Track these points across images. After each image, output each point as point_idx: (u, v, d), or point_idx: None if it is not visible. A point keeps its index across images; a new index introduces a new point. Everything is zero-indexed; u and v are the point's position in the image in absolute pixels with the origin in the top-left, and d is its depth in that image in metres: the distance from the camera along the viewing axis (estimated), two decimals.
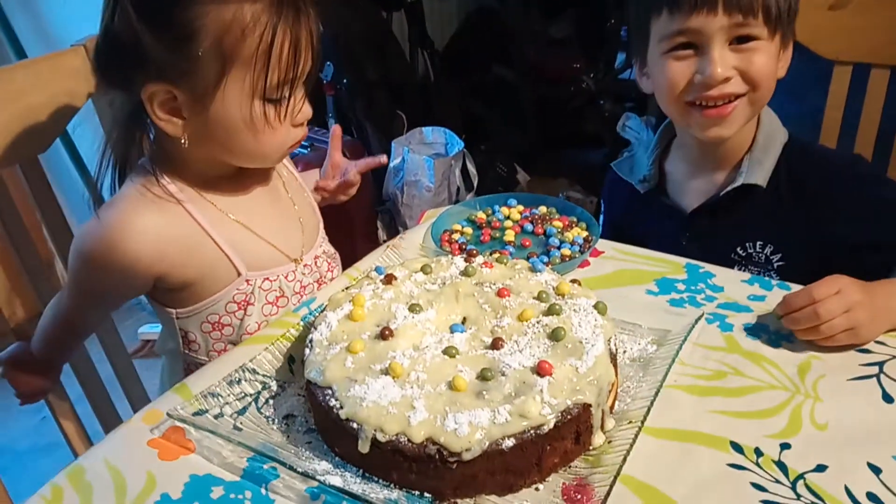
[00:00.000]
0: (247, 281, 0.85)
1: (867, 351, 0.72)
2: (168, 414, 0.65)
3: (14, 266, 0.98)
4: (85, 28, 0.96)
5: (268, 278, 0.86)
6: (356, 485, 0.58)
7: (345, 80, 2.15)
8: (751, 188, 0.94)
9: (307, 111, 0.81)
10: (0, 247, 0.98)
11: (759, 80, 0.89)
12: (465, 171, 2.36)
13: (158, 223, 0.78)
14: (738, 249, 0.98)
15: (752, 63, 0.88)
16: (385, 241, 1.00)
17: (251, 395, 0.69)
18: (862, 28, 1.07)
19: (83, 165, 1.92)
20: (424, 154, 2.27)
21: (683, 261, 0.89)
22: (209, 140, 0.78)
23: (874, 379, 0.68)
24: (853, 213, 0.92)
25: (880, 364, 0.70)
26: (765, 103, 0.94)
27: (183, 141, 0.77)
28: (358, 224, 2.15)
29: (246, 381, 0.70)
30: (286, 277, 0.88)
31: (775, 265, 0.97)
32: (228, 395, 0.68)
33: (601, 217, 1.18)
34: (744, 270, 0.97)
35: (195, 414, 0.66)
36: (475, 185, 2.41)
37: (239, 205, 0.85)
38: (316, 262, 0.93)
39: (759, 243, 0.97)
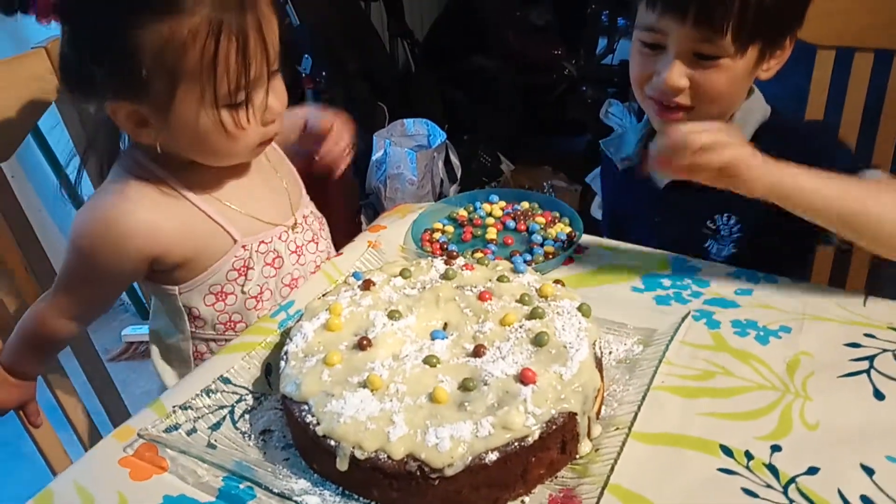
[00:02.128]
0: (243, 247, 0.85)
1: (857, 345, 0.71)
2: (139, 434, 0.63)
3: None
4: (55, 28, 0.92)
5: (263, 241, 0.86)
6: None
7: (323, 74, 2.11)
8: None
9: (275, 107, 0.79)
10: None
11: (712, 98, 0.88)
12: (448, 162, 2.34)
13: (149, 202, 0.79)
14: (709, 223, 0.97)
15: (709, 81, 0.86)
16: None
17: (226, 407, 0.67)
18: (844, 11, 1.05)
19: (59, 165, 1.88)
20: (406, 146, 2.24)
21: (669, 255, 0.87)
22: (181, 145, 0.78)
23: (864, 375, 0.67)
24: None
25: (870, 359, 0.69)
26: (720, 118, 0.92)
27: (157, 147, 0.78)
28: (341, 219, 2.13)
29: (220, 392, 0.68)
30: (280, 238, 0.88)
31: (733, 236, 0.96)
32: (202, 408, 0.66)
33: (598, 198, 1.17)
34: (709, 244, 0.97)
35: (168, 430, 0.64)
36: (459, 176, 2.39)
37: (222, 185, 0.85)
38: (306, 221, 0.93)
39: (726, 215, 0.96)
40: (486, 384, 0.59)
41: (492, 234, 0.94)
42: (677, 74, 0.86)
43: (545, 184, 2.59)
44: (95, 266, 0.81)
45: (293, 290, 0.89)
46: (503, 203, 1.00)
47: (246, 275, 0.85)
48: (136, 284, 1.40)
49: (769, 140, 0.93)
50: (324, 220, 0.99)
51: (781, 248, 0.93)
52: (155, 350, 0.95)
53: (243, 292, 0.86)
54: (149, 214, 0.79)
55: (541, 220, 0.95)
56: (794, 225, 0.91)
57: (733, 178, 0.75)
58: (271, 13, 0.74)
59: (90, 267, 0.81)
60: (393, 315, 0.68)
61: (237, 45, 0.71)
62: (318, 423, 0.57)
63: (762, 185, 0.75)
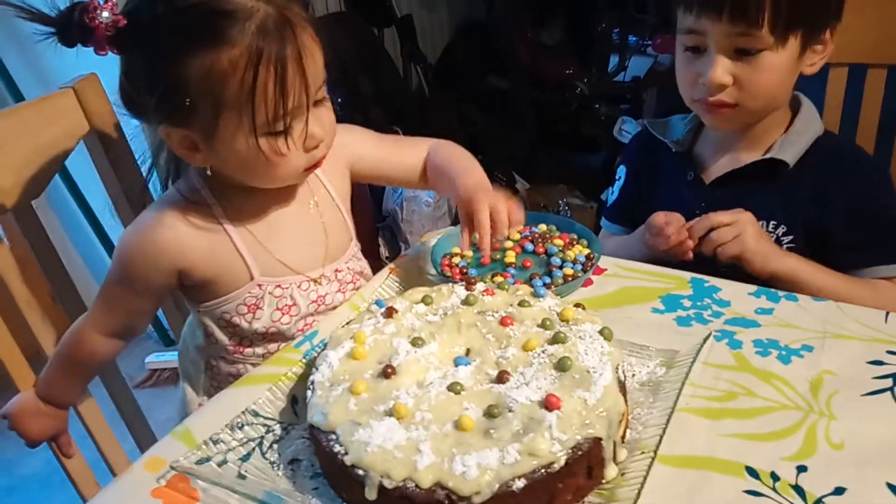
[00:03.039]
0: (259, 285, 0.87)
1: (880, 363, 0.71)
2: (171, 466, 0.64)
3: (12, 308, 0.97)
4: (81, 67, 0.95)
5: (279, 285, 0.88)
6: None
7: (339, 99, 2.14)
8: (777, 165, 0.95)
9: (316, 134, 0.80)
10: None
11: (756, 94, 0.91)
12: None
13: (185, 221, 0.83)
14: None
15: (752, 76, 0.89)
16: (387, 258, 0.99)
17: (255, 439, 0.68)
18: (855, 28, 1.05)
19: (86, 204, 1.92)
20: None
21: (688, 275, 0.88)
22: (228, 169, 0.82)
23: (888, 393, 0.67)
24: (851, 214, 0.95)
25: (894, 376, 0.69)
26: (767, 112, 0.96)
27: (207, 170, 0.82)
28: (359, 241, 2.15)
29: (249, 425, 0.69)
30: (299, 286, 0.89)
31: (784, 247, 0.97)
32: (231, 441, 0.67)
33: (616, 183, 1.17)
34: None
35: (199, 462, 0.65)
36: None
37: (260, 221, 0.88)
38: (337, 275, 0.93)
39: (773, 223, 0.98)
40: (510, 411, 0.59)
41: (510, 257, 0.94)
42: (721, 71, 0.89)
43: (561, 202, 2.59)
44: (133, 277, 0.85)
45: (304, 329, 0.90)
46: (521, 226, 1.00)
47: (255, 313, 0.87)
48: (160, 313, 1.42)
49: (821, 157, 0.96)
50: (364, 273, 0.98)
51: (834, 263, 0.95)
52: (182, 353, 0.99)
53: (251, 328, 0.88)
54: (181, 234, 0.83)
55: (559, 242, 0.95)
56: (844, 241, 0.94)
57: (742, 262, 0.91)
58: (314, 44, 0.76)
59: (129, 278, 0.86)
60: (416, 342, 0.69)
61: (275, 76, 0.73)
62: (347, 453, 0.58)
63: (768, 271, 0.91)
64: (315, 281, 0.90)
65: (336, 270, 0.93)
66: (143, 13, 0.74)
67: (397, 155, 1.00)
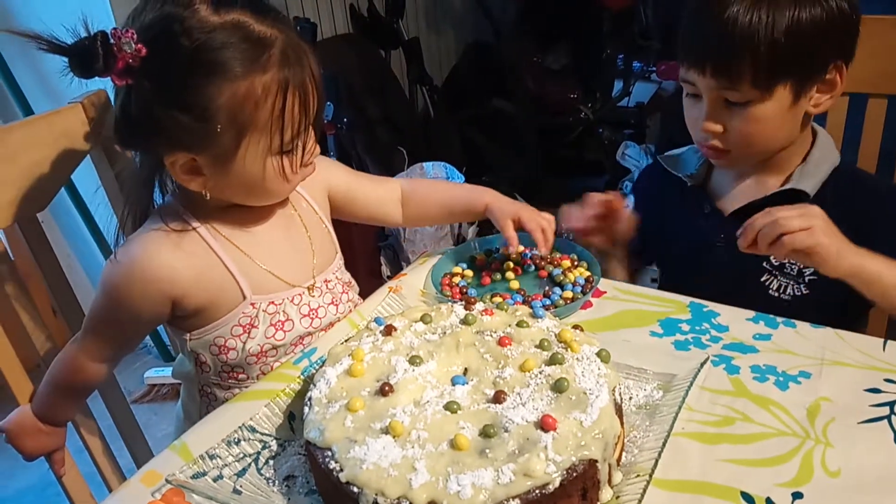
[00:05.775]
0: (252, 304, 0.86)
1: (877, 391, 0.71)
2: (167, 479, 0.64)
3: (14, 321, 0.98)
4: (89, 83, 0.96)
5: (273, 302, 0.87)
6: None
7: (345, 119, 2.16)
8: (797, 197, 0.95)
9: (317, 150, 0.85)
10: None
11: (744, 142, 0.93)
12: None
13: (173, 249, 0.82)
14: (772, 258, 0.97)
15: (739, 126, 0.91)
16: (388, 277, 1.00)
17: (251, 455, 0.68)
18: (856, 59, 1.06)
19: (91, 217, 1.93)
20: None
21: (687, 300, 0.88)
22: (229, 190, 0.83)
23: (885, 421, 0.67)
24: (891, 238, 0.91)
25: (891, 404, 0.69)
26: (770, 153, 0.96)
27: (205, 194, 0.82)
28: (361, 260, 2.15)
29: (245, 440, 0.69)
30: (291, 301, 0.89)
31: (807, 278, 0.96)
32: (227, 456, 0.68)
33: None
34: (768, 280, 0.97)
35: (195, 476, 0.65)
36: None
37: (246, 236, 0.88)
38: (327, 285, 0.93)
39: None
40: (506, 431, 0.60)
41: (510, 277, 0.95)
42: (709, 120, 0.93)
43: (563, 225, 2.60)
44: (122, 308, 0.84)
45: (301, 347, 0.90)
46: (521, 247, 1.01)
47: (249, 332, 0.87)
48: (160, 328, 1.43)
49: (840, 185, 0.96)
50: (352, 285, 1.00)
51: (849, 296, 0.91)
52: (176, 376, 0.99)
53: (243, 349, 0.87)
54: (170, 258, 0.82)
55: (566, 263, 0.96)
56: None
57: (813, 258, 0.82)
58: (317, 67, 0.80)
59: (117, 310, 0.84)
60: (414, 360, 0.69)
61: (300, 98, 0.77)
62: (342, 470, 0.58)
63: (843, 268, 0.82)
64: (308, 290, 0.90)
65: (326, 280, 0.93)
66: (166, 43, 0.73)
67: (369, 185, 1.03)
